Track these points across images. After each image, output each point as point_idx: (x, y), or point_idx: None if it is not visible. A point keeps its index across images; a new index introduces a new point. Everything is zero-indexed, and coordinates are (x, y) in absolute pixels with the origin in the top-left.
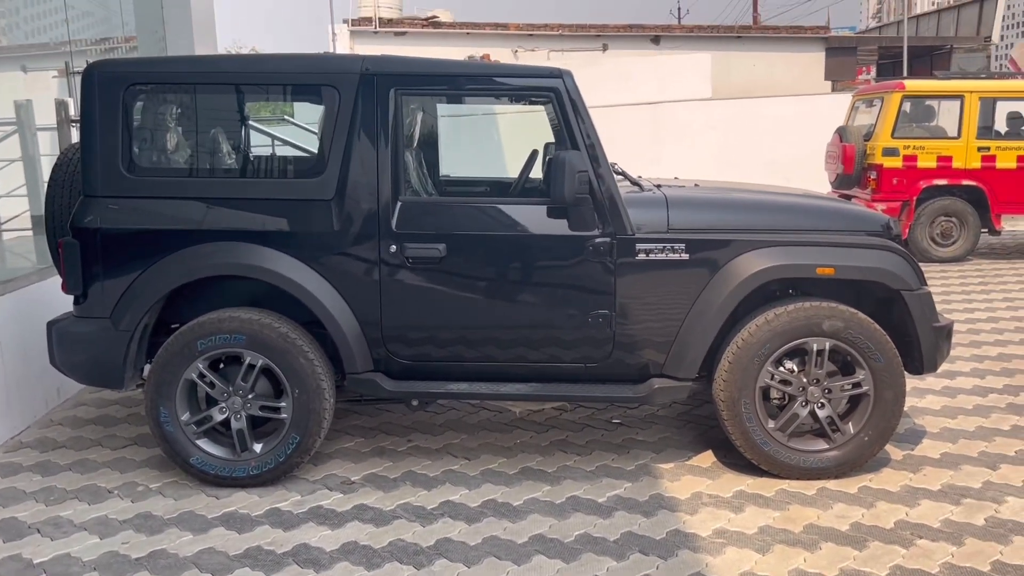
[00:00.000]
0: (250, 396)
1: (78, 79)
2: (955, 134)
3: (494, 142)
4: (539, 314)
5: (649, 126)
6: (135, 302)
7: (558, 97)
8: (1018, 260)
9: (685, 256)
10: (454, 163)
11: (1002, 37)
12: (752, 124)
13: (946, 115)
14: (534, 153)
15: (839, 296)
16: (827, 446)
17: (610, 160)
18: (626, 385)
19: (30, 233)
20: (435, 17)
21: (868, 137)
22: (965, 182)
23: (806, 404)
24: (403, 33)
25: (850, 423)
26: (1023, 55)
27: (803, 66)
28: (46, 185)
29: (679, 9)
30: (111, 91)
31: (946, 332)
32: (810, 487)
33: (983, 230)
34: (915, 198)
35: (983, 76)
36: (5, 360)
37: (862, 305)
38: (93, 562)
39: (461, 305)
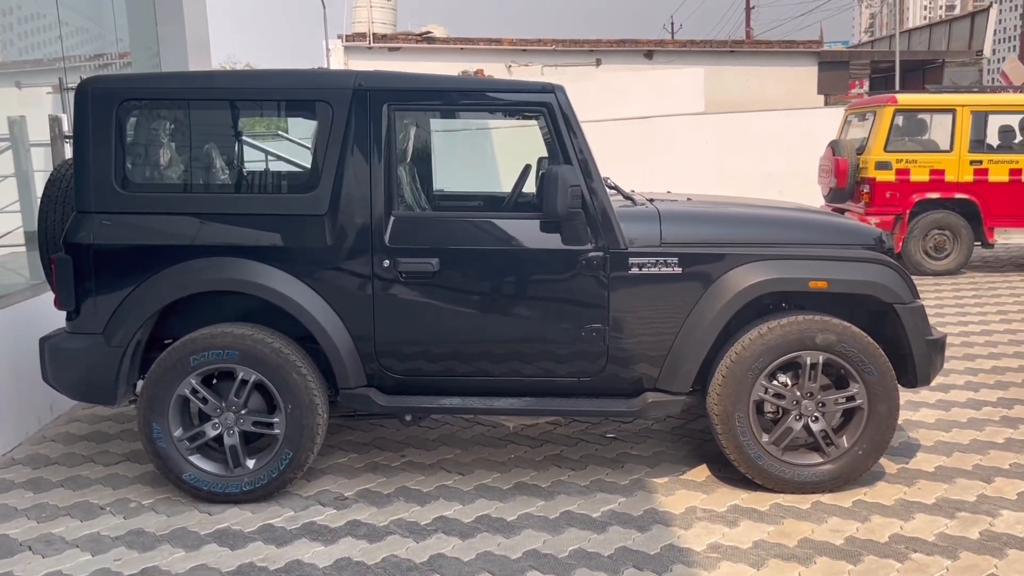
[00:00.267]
0: (243, 412)
1: (72, 95)
2: (947, 148)
3: (487, 157)
4: (533, 328)
5: (642, 140)
6: (128, 318)
7: (550, 112)
8: (1011, 273)
9: (678, 270)
10: (447, 178)
11: (994, 51)
12: (745, 138)
13: (938, 129)
14: (527, 168)
15: (832, 310)
16: (821, 460)
17: (603, 174)
18: (620, 399)
19: (23, 249)
20: (429, 33)
21: (861, 151)
22: (958, 195)
23: (800, 418)
24: (397, 49)
25: (844, 437)
26: (1014, 69)
27: (796, 80)
28: (39, 201)
29: (672, 24)
30: (105, 107)
31: (939, 345)
32: (804, 501)
33: (976, 243)
34: (908, 211)
35: (975, 90)
36: None
37: (855, 319)
38: None
39: (455, 320)
